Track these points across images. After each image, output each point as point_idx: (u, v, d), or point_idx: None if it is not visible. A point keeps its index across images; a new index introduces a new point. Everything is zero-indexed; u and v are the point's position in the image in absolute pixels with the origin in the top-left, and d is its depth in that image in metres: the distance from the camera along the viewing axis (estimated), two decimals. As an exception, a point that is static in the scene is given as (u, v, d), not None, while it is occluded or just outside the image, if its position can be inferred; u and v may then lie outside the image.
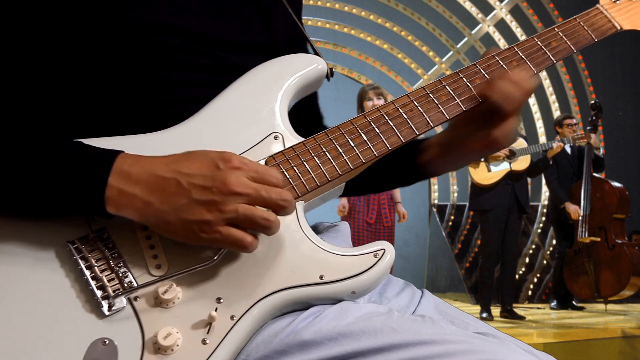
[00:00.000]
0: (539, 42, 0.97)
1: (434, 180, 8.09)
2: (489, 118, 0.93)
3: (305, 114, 1.08)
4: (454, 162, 1.03)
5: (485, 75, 0.93)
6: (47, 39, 0.84)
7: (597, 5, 1.02)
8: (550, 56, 0.96)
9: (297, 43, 1.03)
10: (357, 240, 4.57)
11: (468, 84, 0.93)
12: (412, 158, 1.03)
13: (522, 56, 0.95)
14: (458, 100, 0.92)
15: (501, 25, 8.19)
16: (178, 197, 0.72)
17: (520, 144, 5.26)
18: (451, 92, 0.92)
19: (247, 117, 0.88)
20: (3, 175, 0.74)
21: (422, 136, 0.94)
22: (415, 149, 1.03)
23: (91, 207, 0.75)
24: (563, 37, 0.97)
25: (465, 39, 8.16)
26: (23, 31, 0.83)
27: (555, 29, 0.98)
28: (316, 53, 0.98)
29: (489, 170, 5.20)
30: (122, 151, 0.76)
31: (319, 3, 7.60)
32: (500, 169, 5.18)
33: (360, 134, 0.88)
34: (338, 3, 7.75)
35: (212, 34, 0.91)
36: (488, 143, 0.95)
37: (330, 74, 0.96)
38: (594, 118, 5.77)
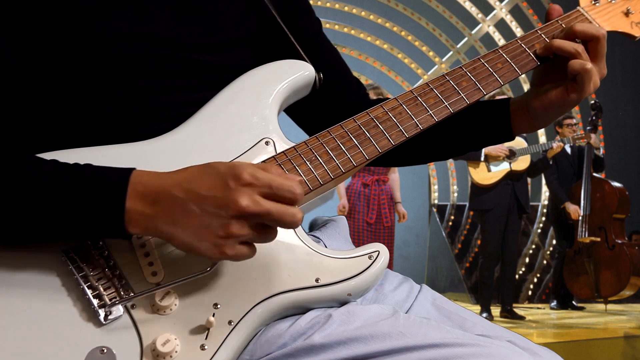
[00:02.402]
0: (522, 45, 0.99)
1: (434, 180, 8.09)
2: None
3: (343, 85, 1.11)
4: (541, 117, 1.02)
5: (472, 77, 0.95)
6: (27, 57, 0.84)
7: (578, 8, 1.04)
8: (534, 58, 0.98)
9: (282, 36, 1.02)
10: (357, 240, 4.57)
11: (455, 86, 0.95)
12: (506, 117, 1.05)
13: (507, 58, 0.97)
14: (446, 103, 0.93)
15: (501, 25, 8.19)
16: (191, 219, 0.72)
17: (520, 144, 5.26)
18: (439, 95, 0.94)
19: (238, 124, 0.89)
20: (15, 208, 0.73)
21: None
22: (507, 108, 1.05)
23: (112, 232, 0.74)
24: (546, 39, 0.99)
25: (465, 39, 8.16)
26: (7, 51, 0.83)
27: (538, 32, 1.00)
28: (301, 57, 0.98)
29: (489, 170, 5.20)
30: (133, 169, 0.76)
31: (319, 3, 7.60)
32: (500, 169, 5.18)
33: (351, 138, 0.88)
34: (338, 3, 7.75)
35: (183, 37, 0.91)
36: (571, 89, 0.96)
37: (319, 81, 0.97)
38: (594, 118, 5.78)
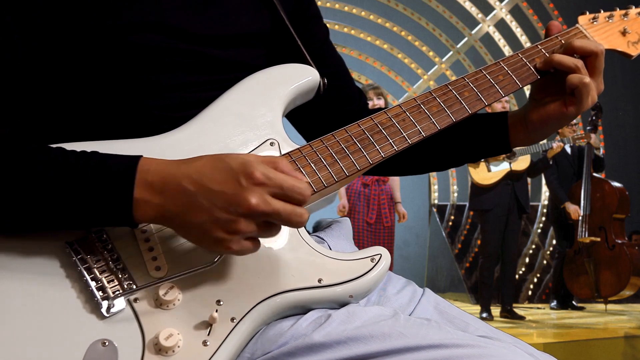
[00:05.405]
0: (523, 59, 1.02)
1: (434, 180, 8.10)
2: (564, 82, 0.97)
3: (343, 89, 1.12)
4: (539, 130, 1.04)
5: (474, 88, 0.98)
6: (39, 47, 0.84)
7: (577, 25, 1.07)
8: (534, 71, 1.01)
9: (290, 38, 1.02)
10: (357, 240, 4.58)
11: (457, 96, 0.97)
12: (504, 129, 1.07)
13: (508, 71, 1.00)
14: (449, 112, 0.95)
15: (501, 25, 8.19)
16: (200, 213, 0.72)
17: (520, 144, 5.25)
18: (441, 103, 0.96)
19: (243, 124, 0.89)
20: (22, 195, 0.73)
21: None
22: (505, 121, 1.07)
23: (119, 219, 0.75)
24: (546, 54, 1.02)
25: (465, 39, 8.16)
26: (17, 41, 0.83)
27: (539, 46, 1.03)
28: (307, 62, 0.99)
29: (489, 170, 5.20)
30: (141, 156, 0.76)
31: (319, 3, 7.60)
32: (500, 169, 5.19)
33: (355, 142, 0.90)
34: (338, 3, 7.75)
35: (196, 28, 0.91)
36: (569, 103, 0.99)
37: (322, 87, 0.98)
38: (594, 118, 5.79)
